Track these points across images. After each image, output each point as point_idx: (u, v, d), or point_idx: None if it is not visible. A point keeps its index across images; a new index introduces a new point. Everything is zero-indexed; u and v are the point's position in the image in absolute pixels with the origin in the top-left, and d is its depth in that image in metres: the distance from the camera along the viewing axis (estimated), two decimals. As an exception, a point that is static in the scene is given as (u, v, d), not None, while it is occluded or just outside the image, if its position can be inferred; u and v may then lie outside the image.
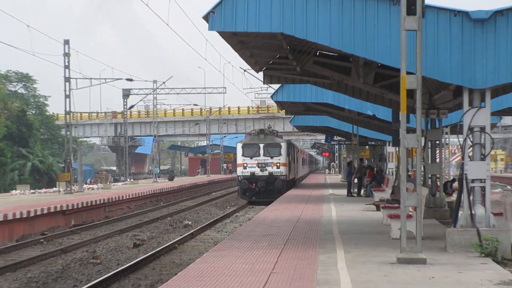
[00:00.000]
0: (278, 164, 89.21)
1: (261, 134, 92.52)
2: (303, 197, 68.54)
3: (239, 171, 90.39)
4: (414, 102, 26.44)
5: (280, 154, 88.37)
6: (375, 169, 74.91)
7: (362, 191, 68.42)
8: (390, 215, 32.96)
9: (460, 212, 30.10)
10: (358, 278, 21.30)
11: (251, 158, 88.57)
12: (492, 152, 36.43)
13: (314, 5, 30.84)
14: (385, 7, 30.16)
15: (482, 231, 28.15)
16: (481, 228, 28.57)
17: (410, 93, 26.36)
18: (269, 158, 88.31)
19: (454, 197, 35.05)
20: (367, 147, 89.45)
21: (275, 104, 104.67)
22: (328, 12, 31.01)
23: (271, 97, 69.73)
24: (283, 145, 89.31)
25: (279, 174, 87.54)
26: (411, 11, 25.77)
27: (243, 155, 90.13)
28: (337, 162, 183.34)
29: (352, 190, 70.26)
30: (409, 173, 27.33)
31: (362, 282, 20.63)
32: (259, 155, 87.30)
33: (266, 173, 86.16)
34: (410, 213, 27.04)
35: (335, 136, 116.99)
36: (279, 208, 51.66)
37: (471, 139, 30.13)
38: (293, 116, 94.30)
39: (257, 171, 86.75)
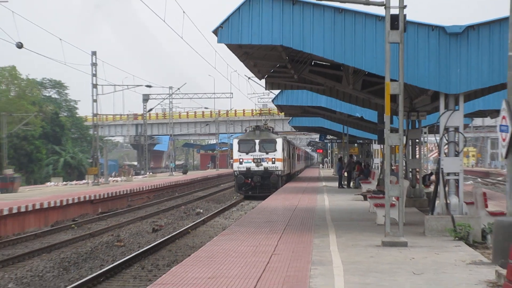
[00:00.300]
0: (273, 159, 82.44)
1: (257, 131, 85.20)
2: (300, 188, 69.02)
3: (236, 166, 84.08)
4: (397, 105, 26.46)
5: (275, 150, 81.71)
6: (363, 164, 75.99)
7: (351, 183, 68.74)
8: (376, 204, 33.07)
9: (437, 202, 30.20)
10: (348, 259, 21.37)
11: (247, 153, 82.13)
12: (465, 149, 36.41)
13: (310, 21, 31.15)
14: (371, 22, 30.48)
15: (456, 218, 28.23)
16: (455, 215, 28.67)
17: (394, 98, 26.33)
18: (264, 153, 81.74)
19: (431, 188, 35.05)
20: (355, 144, 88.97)
21: (275, 107, 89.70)
22: (322, 26, 31.24)
23: (272, 101, 69.84)
24: (278, 141, 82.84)
25: (274, 169, 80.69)
26: (394, 26, 25.81)
27: (239, 150, 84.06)
28: (329, 158, 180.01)
29: (342, 182, 70.59)
30: (393, 167, 27.30)
31: (352, 262, 20.68)
32: (254, 151, 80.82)
33: (261, 168, 79.56)
34: (393, 202, 27.03)
35: (327, 135, 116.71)
36: (279, 198, 51.89)
37: (447, 138, 30.35)
38: (291, 117, 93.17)
39: (253, 166, 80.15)
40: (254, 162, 79.28)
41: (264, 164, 77.67)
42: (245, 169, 78.02)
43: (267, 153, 78.85)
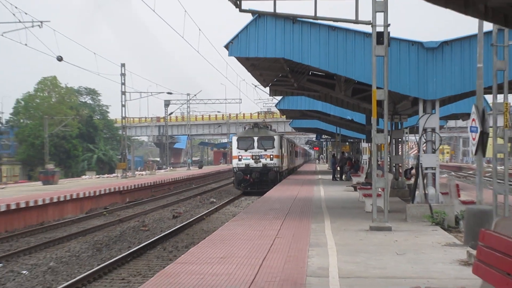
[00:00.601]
0: (271, 156, 73.19)
1: (255, 128, 76.22)
2: (299, 181, 68.77)
3: (235, 163, 74.52)
4: (382, 109, 26.40)
5: (273, 147, 72.68)
6: (353, 160, 75.32)
7: (343, 176, 68.60)
8: (364, 194, 32.96)
9: (417, 192, 30.25)
10: (340, 241, 21.42)
11: (246, 150, 72.88)
12: (440, 147, 36.32)
13: (307, 37, 31.40)
14: (360, 38, 30.71)
15: (433, 206, 28.33)
16: (432, 204, 28.76)
17: (379, 103, 26.28)
18: (262, 150, 72.46)
19: (412, 180, 35.05)
20: (347, 143, 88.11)
21: (278, 111, 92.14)
22: (318, 42, 31.43)
23: (276, 106, 73.72)
24: (276, 138, 73.80)
25: (272, 165, 71.88)
26: (379, 41, 25.84)
27: (238, 147, 74.25)
28: (324, 154, 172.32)
29: (336, 176, 70.44)
30: (379, 162, 27.27)
31: (343, 244, 20.75)
32: (253, 148, 71.98)
33: (260, 164, 71.09)
34: (379, 193, 26.98)
35: (323, 135, 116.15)
36: (281, 189, 51.78)
37: (425, 137, 30.41)
38: (291, 120, 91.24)
39: (251, 163, 71.64)
40: (252, 158, 71.57)
41: (263, 160, 70.47)
42: (244, 165, 71.05)
43: (265, 150, 71.25)
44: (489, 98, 25.55)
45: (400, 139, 47.32)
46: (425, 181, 30.83)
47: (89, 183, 71.81)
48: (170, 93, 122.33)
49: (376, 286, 14.31)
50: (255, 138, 69.79)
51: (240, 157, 69.68)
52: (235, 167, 71.46)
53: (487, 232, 9.71)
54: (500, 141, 25.60)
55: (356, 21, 27.29)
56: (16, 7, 44.02)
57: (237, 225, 26.53)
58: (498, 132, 25.63)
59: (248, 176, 68.75)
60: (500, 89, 24.98)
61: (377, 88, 26.15)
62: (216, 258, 17.97)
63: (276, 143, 70.33)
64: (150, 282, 14.93)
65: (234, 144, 72.38)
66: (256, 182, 68.96)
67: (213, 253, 19.00)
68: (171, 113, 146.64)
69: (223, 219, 40.42)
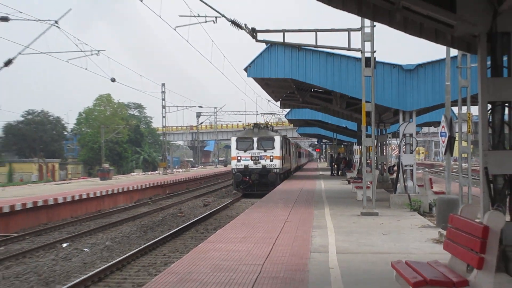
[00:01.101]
0: (271, 157, 59.84)
1: (255, 128, 62.95)
2: (304, 176, 68.42)
3: (234, 164, 61.18)
4: (370, 119, 26.38)
5: (273, 148, 59.33)
6: (347, 159, 74.88)
7: (339, 172, 68.29)
8: (356, 186, 33.03)
9: (398, 184, 30.28)
10: (337, 224, 21.45)
11: (245, 151, 59.95)
12: (417, 149, 36.28)
13: (310, 61, 31.95)
14: (352, 62, 31.29)
15: (411, 196, 28.40)
16: (411, 194, 28.85)
17: (368, 113, 26.25)
18: (262, 151, 59.44)
19: (394, 175, 35.07)
20: (342, 146, 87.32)
21: (287, 120, 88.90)
22: (318, 65, 31.93)
23: (285, 116, 72.85)
24: (277, 138, 60.12)
25: (272, 167, 58.88)
26: (367, 65, 25.87)
27: (237, 148, 61.06)
28: (324, 155, 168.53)
29: (333, 172, 70.07)
30: (368, 161, 27.20)
31: (340, 226, 20.78)
32: (252, 148, 59.18)
33: (259, 166, 58.42)
34: (368, 185, 26.93)
35: (323, 139, 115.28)
36: (290, 183, 52.02)
37: (404, 141, 30.45)
38: (298, 127, 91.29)
39: (250, 164, 58.77)
40: (252, 160, 58.71)
41: (262, 162, 57.77)
42: (243, 167, 58.28)
43: (265, 150, 58.43)
44: (455, 109, 25.52)
45: (384, 142, 47.85)
46: (404, 176, 31.06)
47: (137, 179, 71.89)
48: (201, 107, 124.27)
49: (366, 260, 14.28)
50: (255, 139, 57.46)
51: (239, 158, 57.55)
52: (234, 168, 58.56)
53: (454, 216, 9.69)
54: (464, 143, 25.61)
55: (349, 49, 27.22)
56: (78, 39, 44.34)
57: (255, 212, 26.60)
58: (463, 137, 25.64)
59: (247, 177, 56.56)
60: (464, 102, 24.91)
61: (366, 101, 26.26)
62: (239, 238, 18.01)
63: (276, 143, 57.61)
64: (186, 257, 14.97)
65: (233, 144, 59.61)
66: (255, 184, 56.49)
67: (236, 234, 19.05)
68: (202, 122, 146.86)
69: (243, 206, 40.37)
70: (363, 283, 11.59)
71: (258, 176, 54.76)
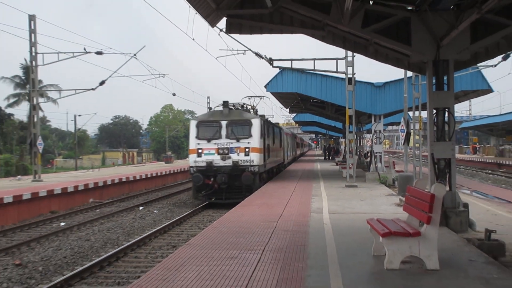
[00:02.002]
0: (247, 150, 28.67)
1: (225, 109, 30.04)
2: (305, 160, 67.87)
3: (192, 160, 28.42)
4: (352, 120, 26.27)
5: (249, 136, 28.51)
6: (335, 148, 74.65)
7: (330, 158, 67.91)
8: (342, 167, 32.95)
9: (371, 165, 30.20)
10: (329, 193, 21.28)
11: (209, 141, 28.60)
12: (384, 141, 36.42)
13: (310, 80, 32.22)
14: (340, 81, 31.29)
15: (380, 173, 28.29)
16: (380, 172, 28.71)
17: (350, 117, 26.15)
18: (234, 141, 28.62)
19: (368, 159, 35.00)
20: (332, 139, 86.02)
21: (294, 122, 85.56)
22: (315, 83, 32.20)
23: (293, 118, 68.93)
24: (255, 122, 28.69)
25: (248, 164, 28.01)
26: (350, 83, 25.89)
27: (198, 137, 28.75)
28: (319, 145, 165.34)
29: (325, 157, 69.64)
30: (350, 149, 27.11)
31: (331, 195, 20.62)
32: (220, 137, 28.41)
33: (229, 162, 27.98)
34: (350, 166, 26.82)
35: (319, 134, 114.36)
36: (296, 165, 51.28)
37: (375, 135, 30.36)
38: (301, 126, 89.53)
39: (216, 159, 28.10)
40: (218, 153, 28.86)
41: (234, 156, 28.55)
42: (205, 164, 28.20)
43: (238, 140, 28.77)
44: (411, 113, 25.34)
45: (361, 136, 47.48)
46: (375, 159, 31.12)
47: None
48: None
49: (349, 218, 14.25)
50: (223, 123, 29.18)
51: (199, 151, 29.14)
52: (192, 167, 28.85)
53: (410, 187, 9.69)
54: (417, 137, 25.44)
55: (336, 72, 27.26)
56: (150, 66, 45.08)
57: (272, 184, 26.50)
58: (416, 132, 25.48)
59: (212, 179, 28.45)
60: (416, 108, 24.84)
61: (349, 108, 26.21)
62: (260, 203, 17.99)
63: (255, 130, 29.32)
64: (225, 216, 14.97)
65: (192, 131, 29.64)
66: (223, 188, 28.43)
67: (258, 201, 19.01)
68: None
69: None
70: (347, 234, 11.60)
71: (226, 177, 27.60)
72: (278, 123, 45.40)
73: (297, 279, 7.87)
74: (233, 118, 27.20)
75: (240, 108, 30.45)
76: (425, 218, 8.39)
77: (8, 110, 71.92)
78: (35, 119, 34.48)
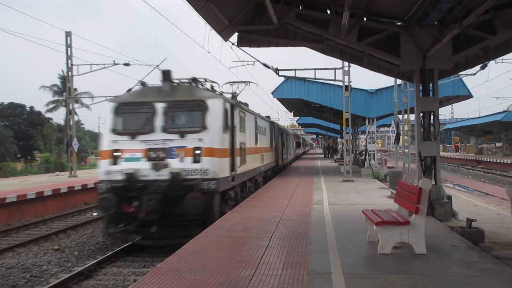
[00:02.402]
0: (197, 153, 11.91)
1: (165, 83, 13.16)
2: (308, 158, 67.59)
3: (102, 170, 12.23)
4: (348, 122, 26.17)
5: (203, 127, 12.31)
6: (334, 147, 74.32)
7: (329, 155, 67.65)
8: (340, 164, 32.77)
9: (366, 162, 30.08)
10: (328, 186, 21.17)
11: (133, 137, 12.24)
12: (377, 141, 36.25)
13: (311, 87, 32.32)
14: (336, 88, 31.32)
15: (373, 169, 28.18)
16: (373, 168, 28.70)
17: (347, 120, 26.05)
18: (176, 136, 12.11)
19: (363, 157, 34.90)
20: (331, 139, 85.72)
21: (297, 124, 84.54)
22: (316, 90, 32.32)
23: (296, 121, 69.10)
24: (214, 105, 12.67)
25: (197, 176, 11.82)
26: (346, 89, 25.78)
27: (114, 130, 12.67)
28: (320, 145, 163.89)
29: (325, 155, 69.42)
30: (347, 148, 27.10)
31: (330, 188, 20.51)
32: (151, 131, 12.18)
33: (164, 174, 11.71)
34: (347, 163, 26.73)
35: (319, 135, 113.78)
36: (299, 162, 51.03)
37: (369, 136, 30.27)
38: (304, 128, 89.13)
39: (143, 169, 11.80)
40: (148, 159, 12.16)
41: (174, 163, 11.88)
42: (123, 177, 11.75)
43: (182, 135, 12.13)
44: (400, 116, 25.26)
45: (357, 137, 47.23)
46: (369, 157, 30.93)
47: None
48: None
49: (346, 209, 14.20)
50: (159, 107, 12.80)
51: (116, 154, 12.43)
52: (102, 182, 12.27)
53: (400, 181, 9.67)
54: (406, 137, 25.40)
55: (334, 80, 27.11)
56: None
57: (278, 180, 26.26)
58: (405, 133, 25.41)
59: (134, 204, 11.85)
60: (405, 112, 24.75)
61: (346, 112, 26.02)
62: (269, 196, 17.92)
63: (213, 117, 12.82)
64: (241, 204, 14.99)
65: (107, 121, 13.02)
66: (153, 220, 11.79)
67: (267, 193, 18.97)
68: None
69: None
70: (344, 223, 11.57)
71: (158, 201, 11.99)
72: (269, 116, 30.70)
73: (301, 262, 7.87)
74: (175, 99, 13.38)
75: (191, 83, 14.79)
76: (414, 208, 8.38)
77: (48, 115, 73.43)
78: (71, 123, 34.66)
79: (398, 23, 13.54)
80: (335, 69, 27.28)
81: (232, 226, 11.49)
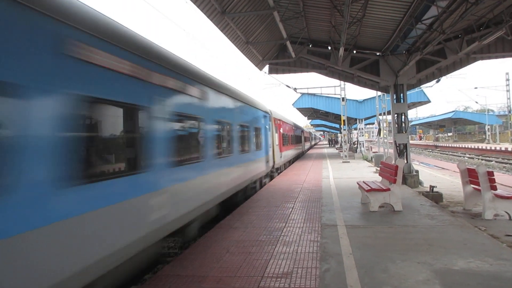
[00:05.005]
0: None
1: None
2: (319, 147, 66.65)
3: None
4: (344, 122, 25.79)
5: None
6: (335, 139, 73.46)
7: (333, 145, 67.00)
8: (340, 151, 32.41)
9: (358, 149, 29.47)
10: (333, 166, 20.79)
11: None
12: (365, 134, 35.64)
13: (320, 100, 31.37)
14: (336, 100, 30.43)
15: (363, 154, 27.55)
16: (363, 153, 28.09)
17: (344, 121, 25.68)
18: None
19: (355, 146, 34.38)
20: (333, 134, 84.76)
21: (310, 124, 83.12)
22: (322, 101, 31.64)
23: (309, 123, 66.58)
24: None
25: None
26: (343, 100, 25.17)
27: None
28: (325, 138, 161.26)
29: (330, 145, 68.77)
30: (344, 140, 26.81)
31: (334, 167, 20.13)
32: None
33: None
34: (345, 150, 26.36)
35: (325, 132, 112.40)
36: (313, 151, 50.22)
37: (359, 131, 29.67)
38: (315, 127, 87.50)
39: None
40: None
41: None
42: None
43: None
44: (381, 117, 24.79)
45: (351, 132, 46.44)
46: (360, 145, 30.29)
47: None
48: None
49: (346, 181, 13.99)
50: None
51: None
52: None
53: (382, 162, 9.50)
54: (384, 131, 24.87)
55: (335, 94, 26.78)
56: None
57: (299, 163, 26.15)
58: (384, 128, 24.90)
59: None
60: (385, 114, 24.24)
61: (342, 115, 25.64)
62: (292, 174, 17.83)
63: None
64: (275, 179, 14.98)
65: None
66: None
67: (292, 172, 18.85)
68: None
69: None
70: (345, 190, 11.42)
71: None
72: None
73: (316, 218, 7.81)
74: None
75: None
76: (393, 180, 8.23)
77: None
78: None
79: (378, 53, 13.36)
80: (335, 86, 27.13)
81: (269, 193, 11.51)
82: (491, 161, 27.61)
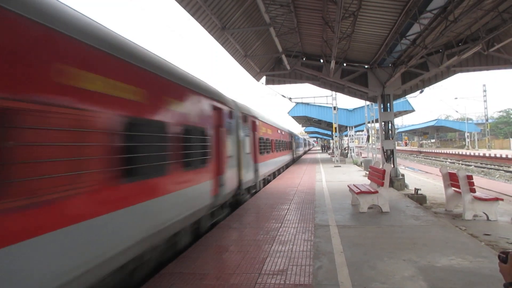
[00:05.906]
0: None
1: None
2: (312, 152, 66.59)
3: None
4: (336, 129, 25.81)
5: None
6: (328, 145, 73.31)
7: (325, 150, 66.87)
8: (332, 156, 32.28)
9: (349, 154, 29.40)
10: (325, 170, 20.70)
11: None
12: (355, 140, 35.91)
13: (313, 109, 31.26)
14: (329, 108, 30.23)
15: (353, 158, 27.58)
16: (353, 158, 28.05)
17: (335, 128, 25.68)
18: None
19: (346, 151, 34.29)
20: (326, 140, 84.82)
21: (304, 131, 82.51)
22: (316, 110, 31.35)
23: (304, 130, 65.95)
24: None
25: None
26: (334, 109, 25.12)
27: None
28: (319, 144, 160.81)
29: (322, 150, 68.63)
30: (335, 146, 26.75)
31: (326, 171, 20.04)
32: None
33: None
34: (336, 155, 26.35)
35: (318, 138, 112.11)
36: (307, 156, 50.17)
37: (350, 137, 29.61)
38: (309, 134, 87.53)
39: None
40: None
41: None
42: None
43: None
44: (369, 124, 24.82)
45: (342, 138, 46.31)
46: (350, 151, 30.25)
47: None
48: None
49: (337, 184, 13.96)
50: None
51: None
52: None
53: (371, 166, 9.50)
54: (372, 137, 24.88)
55: (327, 103, 26.81)
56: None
57: (295, 167, 26.04)
58: (372, 135, 24.90)
59: None
60: (373, 122, 24.28)
61: (334, 123, 25.62)
62: (288, 177, 17.76)
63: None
64: (271, 183, 14.92)
65: None
66: None
67: (287, 176, 18.78)
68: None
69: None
70: (336, 193, 11.40)
71: None
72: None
73: (310, 219, 7.80)
74: None
75: None
76: (381, 183, 8.22)
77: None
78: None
79: (366, 66, 13.41)
80: (327, 96, 27.12)
81: (266, 194, 11.48)
82: (471, 165, 27.67)
